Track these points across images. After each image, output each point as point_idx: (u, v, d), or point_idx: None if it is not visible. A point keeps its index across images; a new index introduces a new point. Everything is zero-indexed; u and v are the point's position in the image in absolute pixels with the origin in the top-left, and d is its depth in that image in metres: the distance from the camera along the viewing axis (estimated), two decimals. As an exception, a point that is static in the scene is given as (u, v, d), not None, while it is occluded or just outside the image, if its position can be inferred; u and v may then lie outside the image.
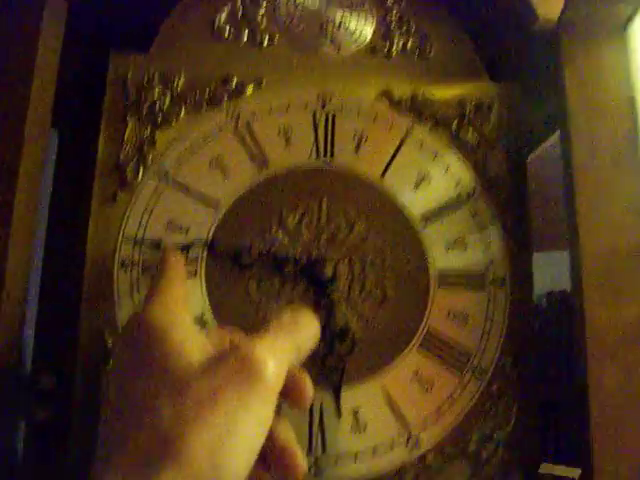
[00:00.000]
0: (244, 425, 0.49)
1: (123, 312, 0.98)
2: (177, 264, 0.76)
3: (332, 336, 1.00)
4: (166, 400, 0.49)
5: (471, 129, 1.12)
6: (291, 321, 0.62)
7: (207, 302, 0.99)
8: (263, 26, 1.12)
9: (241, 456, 0.49)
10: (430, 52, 1.15)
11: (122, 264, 0.99)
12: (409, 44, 1.15)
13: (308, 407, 0.61)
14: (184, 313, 0.60)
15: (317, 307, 1.00)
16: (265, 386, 0.51)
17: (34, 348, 1.12)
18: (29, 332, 1.07)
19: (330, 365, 0.99)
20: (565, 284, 1.06)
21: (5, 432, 0.91)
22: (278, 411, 0.59)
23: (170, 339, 0.53)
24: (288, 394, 0.58)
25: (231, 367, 0.51)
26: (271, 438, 0.55)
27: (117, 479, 0.46)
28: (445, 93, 1.12)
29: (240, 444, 0.48)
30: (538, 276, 1.09)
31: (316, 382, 0.97)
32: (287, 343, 0.58)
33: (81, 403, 0.95)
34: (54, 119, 1.03)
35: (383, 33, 1.15)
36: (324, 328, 1.00)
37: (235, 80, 1.08)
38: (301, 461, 0.58)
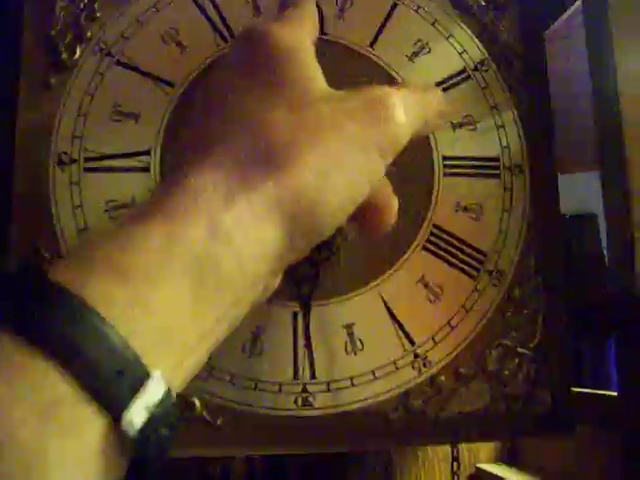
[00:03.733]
0: (357, 164, 0.47)
1: (62, 221, 0.79)
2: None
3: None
4: (285, 113, 0.45)
5: (478, -12, 0.92)
6: (427, 90, 0.57)
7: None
8: None
9: (343, 195, 0.46)
10: None
11: (59, 162, 0.80)
12: None
13: (382, 233, 0.56)
14: (313, 48, 0.55)
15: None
16: (390, 134, 0.48)
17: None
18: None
19: (302, 274, 0.80)
20: (592, 207, 0.89)
21: None
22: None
23: (299, 58, 0.50)
24: (368, 208, 0.52)
25: (361, 103, 0.48)
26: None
27: (212, 175, 0.41)
28: (444, -54, 0.92)
29: (347, 181, 0.46)
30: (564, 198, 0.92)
31: (289, 296, 0.81)
32: (418, 108, 0.52)
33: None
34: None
35: None
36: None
37: (189, -64, 0.87)
38: (394, 202, 0.56)
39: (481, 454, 1.19)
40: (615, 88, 0.83)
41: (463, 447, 1.16)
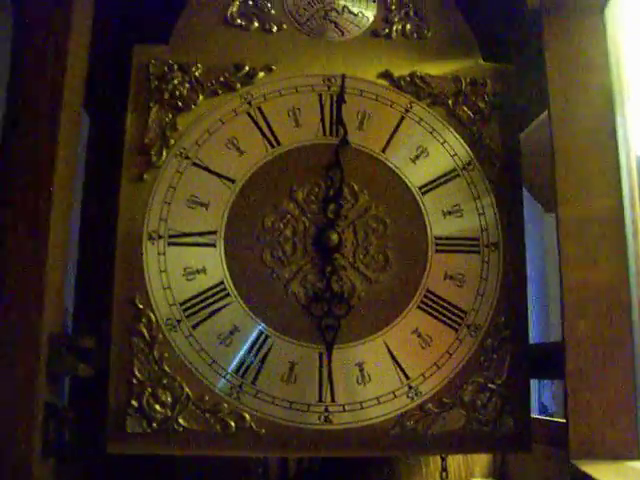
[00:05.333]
0: None
1: (151, 279, 1.14)
2: None
3: (331, 299, 1.16)
4: None
5: (466, 105, 1.25)
6: None
7: (226, 270, 1.15)
8: (272, 14, 1.26)
9: None
10: (428, 33, 1.28)
11: (149, 237, 1.15)
12: (408, 26, 1.28)
13: None
14: None
15: (323, 272, 1.16)
16: None
17: (75, 313, 1.30)
18: (70, 299, 1.25)
19: (327, 324, 1.14)
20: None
21: (52, 387, 1.07)
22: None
23: None
24: None
25: None
26: None
27: None
28: (442, 71, 1.26)
29: None
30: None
31: (317, 340, 1.15)
32: None
33: (117, 360, 1.12)
34: (87, 108, 1.20)
35: (384, 17, 1.28)
36: (324, 291, 1.16)
37: (247, 67, 1.22)
38: None
39: (475, 470, 1.52)
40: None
41: (460, 463, 1.49)
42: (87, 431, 1.15)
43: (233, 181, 1.18)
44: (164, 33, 1.25)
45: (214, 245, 1.15)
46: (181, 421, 1.10)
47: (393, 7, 1.29)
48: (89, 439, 1.16)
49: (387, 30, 1.28)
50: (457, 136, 1.24)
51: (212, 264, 1.15)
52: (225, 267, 1.15)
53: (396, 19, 1.28)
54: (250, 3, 1.26)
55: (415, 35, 1.28)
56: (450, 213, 1.20)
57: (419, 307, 1.17)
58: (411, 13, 1.29)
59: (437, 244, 1.19)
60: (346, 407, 1.13)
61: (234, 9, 1.26)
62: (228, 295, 1.14)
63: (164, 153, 1.18)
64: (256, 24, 1.26)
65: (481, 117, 1.25)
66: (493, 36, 1.31)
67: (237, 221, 1.17)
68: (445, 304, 1.17)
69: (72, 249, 1.25)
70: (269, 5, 1.27)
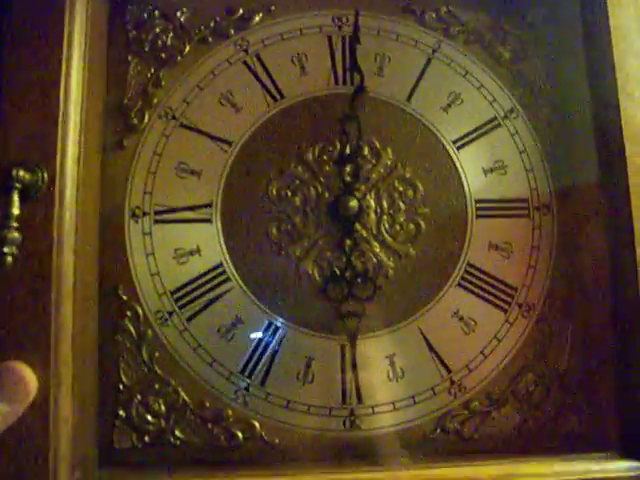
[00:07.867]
0: None
1: (137, 267, 0.99)
2: None
3: (352, 279, 1.00)
4: None
5: (506, 40, 1.09)
6: None
7: (224, 250, 1.00)
8: (269, -57, 1.10)
9: None
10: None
11: (132, 214, 1.01)
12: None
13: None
14: None
15: (341, 247, 1.01)
16: None
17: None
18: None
19: (349, 310, 1.00)
20: None
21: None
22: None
23: None
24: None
25: None
26: None
27: None
28: (474, 2, 1.10)
29: None
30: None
31: (337, 330, 1.00)
32: None
33: (100, 362, 0.97)
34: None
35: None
36: (344, 270, 1.01)
37: (241, 9, 1.07)
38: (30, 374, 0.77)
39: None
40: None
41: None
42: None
43: (229, 143, 1.03)
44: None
45: (209, 220, 1.00)
46: (178, 433, 0.96)
47: None
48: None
49: (407, -46, 1.11)
50: (496, 78, 1.08)
51: (208, 243, 1.00)
52: (223, 246, 1.00)
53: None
54: None
55: (441, -41, 1.12)
56: (492, 170, 1.05)
57: (459, 284, 1.02)
58: None
59: (478, 208, 1.03)
60: (375, 409, 0.98)
61: (223, -61, 1.10)
62: (228, 280, 0.99)
63: (146, 114, 1.04)
64: (250, -44, 1.09)
65: (524, 53, 1.09)
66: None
67: (236, 191, 1.02)
68: (491, 280, 1.02)
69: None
70: None
